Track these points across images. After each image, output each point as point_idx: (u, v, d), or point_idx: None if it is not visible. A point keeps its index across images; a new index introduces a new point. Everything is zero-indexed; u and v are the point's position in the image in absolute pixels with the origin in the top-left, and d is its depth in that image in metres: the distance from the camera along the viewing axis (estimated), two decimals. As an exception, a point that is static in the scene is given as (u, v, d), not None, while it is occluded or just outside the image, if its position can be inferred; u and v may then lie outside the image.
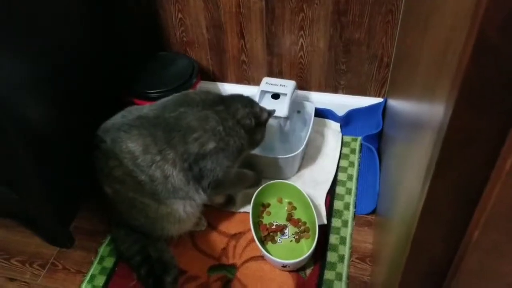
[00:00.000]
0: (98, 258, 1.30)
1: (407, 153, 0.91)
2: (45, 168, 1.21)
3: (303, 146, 1.40)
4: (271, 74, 1.57)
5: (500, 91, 0.44)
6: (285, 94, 1.45)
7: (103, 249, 1.32)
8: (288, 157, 1.37)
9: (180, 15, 1.50)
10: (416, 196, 0.63)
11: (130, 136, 1.11)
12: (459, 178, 0.51)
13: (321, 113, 1.60)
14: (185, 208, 1.17)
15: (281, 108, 1.44)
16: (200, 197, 1.20)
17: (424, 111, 0.74)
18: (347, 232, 1.32)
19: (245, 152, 1.28)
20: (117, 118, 1.17)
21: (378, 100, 1.55)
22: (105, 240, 1.34)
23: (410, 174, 0.77)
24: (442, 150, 0.50)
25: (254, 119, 1.23)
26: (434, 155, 0.52)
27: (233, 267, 1.25)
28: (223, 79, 1.64)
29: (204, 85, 1.62)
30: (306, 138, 1.42)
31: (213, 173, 1.15)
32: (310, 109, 1.54)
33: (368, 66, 1.48)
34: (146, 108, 1.17)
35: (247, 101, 1.25)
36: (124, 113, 1.18)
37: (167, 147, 1.11)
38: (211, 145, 1.13)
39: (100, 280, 1.25)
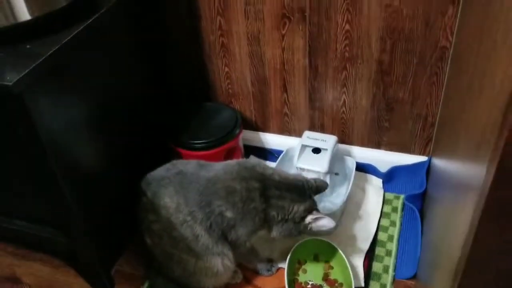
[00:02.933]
0: (136, 304, 1.33)
1: (449, 216, 0.88)
2: (91, 211, 1.27)
3: (341, 203, 1.39)
4: (312, 127, 1.59)
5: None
6: (326, 149, 1.46)
7: (141, 295, 1.35)
8: (329, 213, 1.36)
9: (226, 69, 1.56)
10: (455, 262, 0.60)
11: (167, 192, 1.15)
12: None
13: (363, 168, 1.59)
14: (223, 262, 1.19)
15: (321, 163, 1.44)
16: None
17: (465, 174, 0.72)
18: (385, 296, 1.28)
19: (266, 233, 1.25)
20: (161, 171, 1.22)
21: (422, 158, 1.52)
22: (143, 286, 1.37)
23: (452, 239, 0.75)
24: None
25: (284, 216, 1.18)
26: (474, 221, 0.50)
27: (266, 325, 1.25)
28: (265, 129, 1.68)
29: (247, 135, 1.66)
30: (346, 195, 1.41)
31: (229, 234, 1.17)
32: (351, 164, 1.53)
33: (412, 124, 1.46)
34: (191, 164, 1.21)
35: (299, 194, 1.19)
36: (168, 166, 1.23)
37: (197, 209, 1.13)
38: (229, 214, 1.14)
39: (137, 328, 1.27)
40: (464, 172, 0.72)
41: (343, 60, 1.39)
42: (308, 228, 1.20)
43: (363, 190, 1.56)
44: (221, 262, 1.18)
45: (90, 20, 1.11)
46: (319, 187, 1.22)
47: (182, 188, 1.15)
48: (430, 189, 1.43)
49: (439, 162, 1.35)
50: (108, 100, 1.27)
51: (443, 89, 1.35)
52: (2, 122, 1.06)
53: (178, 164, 1.22)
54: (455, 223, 0.73)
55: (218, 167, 1.20)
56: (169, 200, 1.15)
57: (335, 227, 1.40)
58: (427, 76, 1.34)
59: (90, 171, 1.25)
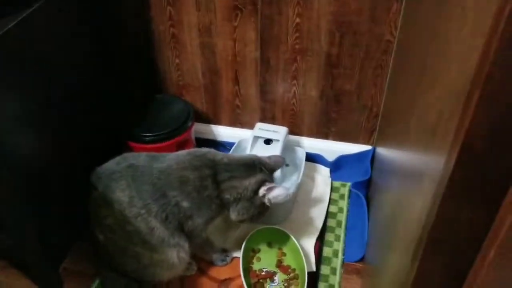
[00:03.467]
0: (87, 301, 1.30)
1: (401, 201, 0.93)
2: (38, 208, 1.21)
3: (293, 190, 1.43)
4: (264, 118, 1.61)
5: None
6: (278, 140, 1.49)
7: (92, 293, 1.32)
8: (279, 203, 1.40)
9: (177, 60, 1.54)
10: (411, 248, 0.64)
11: (118, 186, 1.13)
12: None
13: (312, 158, 1.64)
14: (178, 254, 1.18)
15: (273, 153, 1.47)
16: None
17: (419, 161, 0.76)
18: (335, 280, 1.34)
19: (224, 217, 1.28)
20: (111, 164, 1.19)
21: (367, 147, 1.60)
22: (93, 284, 1.34)
23: (408, 222, 0.77)
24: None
25: (237, 195, 1.18)
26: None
27: (222, 315, 1.26)
28: (217, 122, 1.68)
29: (199, 127, 1.66)
30: (298, 182, 1.45)
31: (185, 224, 1.17)
32: (301, 154, 1.57)
33: (358, 115, 1.53)
34: (142, 156, 1.19)
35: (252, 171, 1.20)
36: (119, 159, 1.20)
37: (152, 202, 1.12)
38: (185, 204, 1.14)
39: (89, 326, 1.24)
40: (416, 158, 0.77)
41: (294, 53, 1.42)
42: (266, 202, 1.20)
43: (312, 179, 1.62)
44: (176, 254, 1.18)
45: (34, 7, 1.05)
46: (276, 163, 1.26)
47: (134, 181, 1.13)
48: (375, 177, 1.50)
49: (383, 151, 1.43)
50: (54, 92, 1.22)
51: (387, 81, 1.43)
52: None
53: (129, 157, 1.19)
54: (410, 207, 0.76)
55: (170, 158, 1.19)
56: (121, 194, 1.12)
57: (291, 195, 1.42)
58: (372, 69, 1.41)
59: (35, 164, 1.20)
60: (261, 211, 1.23)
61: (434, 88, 0.68)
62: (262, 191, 1.19)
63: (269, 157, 1.26)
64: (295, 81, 1.49)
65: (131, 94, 1.62)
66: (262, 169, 1.21)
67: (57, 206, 1.30)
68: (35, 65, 1.13)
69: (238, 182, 1.17)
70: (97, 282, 1.34)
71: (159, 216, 1.12)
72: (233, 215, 1.21)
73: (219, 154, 1.21)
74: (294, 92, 1.52)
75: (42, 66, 1.16)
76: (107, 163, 1.21)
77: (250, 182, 1.18)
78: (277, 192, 1.19)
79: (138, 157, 1.19)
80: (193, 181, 1.14)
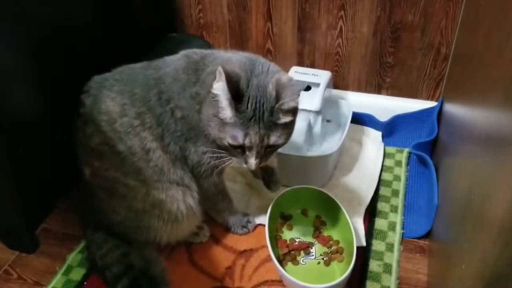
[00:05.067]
0: (64, 268, 1.00)
1: (484, 173, 0.70)
2: (17, 151, 0.98)
3: (338, 146, 1.11)
4: (301, 65, 1.31)
5: None
6: (318, 85, 1.18)
7: (72, 257, 1.02)
8: (319, 156, 1.09)
9: (198, -10, 1.28)
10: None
11: (110, 94, 0.87)
12: None
13: (359, 119, 1.32)
14: (184, 197, 0.90)
15: (311, 100, 1.17)
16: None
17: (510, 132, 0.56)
18: (393, 258, 0.99)
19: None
20: (105, 74, 0.91)
21: (430, 104, 1.27)
22: (77, 248, 1.04)
23: (490, 202, 0.63)
24: None
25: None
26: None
27: (239, 292, 0.93)
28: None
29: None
30: (343, 138, 1.14)
31: (188, 153, 0.87)
32: (347, 110, 1.26)
33: (421, 58, 1.21)
34: (138, 64, 0.92)
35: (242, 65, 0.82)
36: (114, 70, 0.93)
37: (146, 110, 0.85)
38: (179, 114, 0.85)
39: (62, 296, 0.94)
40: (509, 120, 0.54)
41: (343, -29, 1.14)
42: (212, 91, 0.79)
43: (360, 143, 1.29)
44: (182, 198, 0.88)
45: None
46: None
47: (127, 85, 0.87)
48: (443, 136, 1.17)
49: (454, 106, 1.10)
50: (50, 29, 0.99)
51: (462, 9, 1.11)
52: None
53: (124, 67, 0.92)
54: (498, 180, 0.60)
55: (167, 59, 0.91)
56: (111, 104, 0.87)
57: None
58: (443, -9, 1.10)
59: (19, 112, 1.00)
60: (213, 119, 0.81)
61: None
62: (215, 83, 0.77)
63: (291, 79, 0.83)
64: (342, 12, 1.20)
65: (144, 32, 1.35)
66: (249, 73, 0.80)
67: (40, 159, 1.05)
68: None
69: (213, 69, 0.81)
70: (81, 245, 1.04)
71: (155, 131, 0.85)
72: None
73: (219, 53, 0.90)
74: (341, 28, 1.23)
75: None
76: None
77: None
78: (217, 85, 0.77)
79: (134, 65, 0.91)
80: (181, 73, 0.86)
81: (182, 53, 0.91)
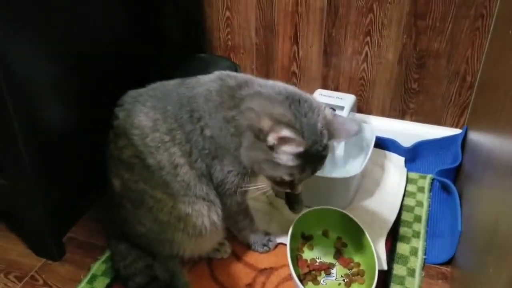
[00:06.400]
0: (88, 276, 1.02)
1: (508, 204, 0.70)
2: (49, 159, 1.01)
3: (361, 168, 1.12)
4: (326, 89, 1.33)
5: None
6: (342, 108, 1.20)
7: (96, 267, 1.04)
8: (342, 178, 1.10)
9: (228, 13, 1.33)
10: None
11: (143, 109, 0.90)
12: None
13: (382, 144, 1.33)
14: (209, 213, 0.92)
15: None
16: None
17: None
18: (414, 283, 0.99)
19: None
20: (140, 89, 0.95)
21: (454, 131, 1.27)
22: (101, 257, 1.06)
23: None
24: None
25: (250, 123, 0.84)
26: None
27: (258, 310, 0.94)
28: (269, 94, 1.42)
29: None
30: (366, 161, 1.15)
31: (213, 171, 0.90)
32: (369, 134, 1.27)
33: (446, 86, 1.22)
34: (172, 81, 0.95)
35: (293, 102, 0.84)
36: (153, 84, 0.97)
37: (177, 126, 0.88)
38: (208, 132, 0.88)
39: (85, 304, 0.96)
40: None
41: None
42: (275, 153, 0.82)
43: (383, 167, 1.30)
44: (207, 213, 0.90)
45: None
46: (344, 125, 0.86)
47: (161, 101, 0.90)
48: (467, 164, 1.17)
49: (479, 134, 1.11)
50: (84, 47, 1.05)
51: (489, 38, 1.13)
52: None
53: (158, 83, 0.96)
54: None
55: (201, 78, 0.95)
56: (144, 118, 0.89)
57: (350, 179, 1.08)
58: (470, 20, 1.12)
59: (53, 123, 1.05)
60: (262, 161, 0.84)
61: None
62: (272, 135, 0.80)
63: (335, 114, 0.90)
64: (368, 38, 1.22)
65: (172, 51, 1.40)
66: (304, 115, 0.83)
67: (70, 163, 1.10)
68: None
69: (258, 103, 0.83)
70: (105, 255, 1.06)
71: (183, 147, 0.88)
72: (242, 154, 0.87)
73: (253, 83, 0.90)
74: (366, 54, 1.25)
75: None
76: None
77: (268, 108, 0.82)
78: (289, 147, 0.80)
79: (168, 82, 0.95)
80: (214, 94, 0.88)
81: (216, 74, 0.93)
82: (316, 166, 0.86)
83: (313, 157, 0.83)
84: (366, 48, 1.24)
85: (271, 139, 0.80)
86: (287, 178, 0.85)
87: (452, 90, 1.22)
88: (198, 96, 0.89)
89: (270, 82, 0.90)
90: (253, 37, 1.33)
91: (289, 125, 0.79)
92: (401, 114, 1.31)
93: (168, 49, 1.40)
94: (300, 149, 0.80)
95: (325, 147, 0.84)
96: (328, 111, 0.87)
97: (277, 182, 0.88)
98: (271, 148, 0.81)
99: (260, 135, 0.82)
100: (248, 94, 0.86)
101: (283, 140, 0.79)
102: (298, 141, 0.79)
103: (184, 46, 1.41)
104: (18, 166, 0.97)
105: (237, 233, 1.05)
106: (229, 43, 1.37)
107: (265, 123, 0.80)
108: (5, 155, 0.97)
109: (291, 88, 0.89)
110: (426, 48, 1.19)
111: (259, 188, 0.90)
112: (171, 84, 0.94)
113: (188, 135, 0.88)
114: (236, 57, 1.39)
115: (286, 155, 0.81)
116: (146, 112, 0.89)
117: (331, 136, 0.84)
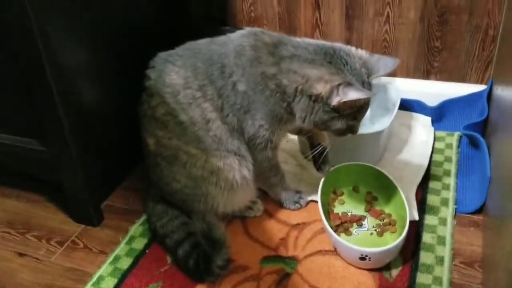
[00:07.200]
0: (127, 238, 1.06)
1: None
2: (87, 128, 1.07)
3: (388, 123, 1.13)
4: (348, 54, 1.35)
5: None
6: (366, 68, 1.21)
7: (134, 229, 1.08)
8: (370, 134, 1.11)
9: (250, -17, 1.35)
10: None
11: (174, 68, 0.94)
12: None
13: (408, 105, 1.33)
14: (240, 167, 0.94)
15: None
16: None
17: None
18: (446, 231, 1.00)
19: (291, 127, 0.97)
20: (170, 50, 0.99)
21: (480, 87, 1.27)
22: (138, 221, 1.10)
23: None
24: None
25: (299, 85, 0.87)
26: None
27: (293, 260, 0.96)
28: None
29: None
30: (392, 117, 1.16)
31: (245, 125, 0.92)
32: (394, 95, 1.27)
33: (469, 41, 1.22)
34: (202, 40, 0.98)
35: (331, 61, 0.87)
36: (182, 45, 1.00)
37: (208, 82, 0.91)
38: (241, 87, 0.90)
39: (125, 262, 1.00)
40: None
41: (389, -43, 1.18)
42: (333, 102, 0.85)
43: (409, 128, 1.30)
44: (238, 167, 0.94)
45: None
46: (381, 64, 0.89)
47: (191, 59, 0.94)
48: (494, 117, 1.17)
49: (505, 88, 1.10)
50: (112, 27, 1.11)
51: (511, -11, 1.12)
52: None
53: (188, 44, 0.99)
54: None
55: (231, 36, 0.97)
56: (175, 77, 0.93)
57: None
58: (491, -29, 1.12)
59: (92, 96, 1.10)
60: (327, 120, 0.89)
61: None
62: (327, 87, 0.84)
63: (372, 55, 0.92)
64: (389, -1, 1.23)
65: (193, 27, 1.43)
66: (338, 64, 0.86)
67: (107, 143, 1.16)
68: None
69: (299, 66, 0.87)
70: (142, 219, 1.10)
71: (215, 103, 0.91)
72: (297, 117, 0.91)
73: (291, 42, 0.93)
74: (388, 15, 1.26)
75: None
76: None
77: (312, 72, 0.86)
78: (352, 93, 0.83)
79: (197, 41, 0.98)
80: (248, 49, 0.90)
81: (247, 29, 0.96)
82: (368, 103, 0.91)
83: None
84: (388, 8, 1.25)
85: (335, 102, 0.85)
86: (352, 123, 0.90)
87: (475, 45, 1.22)
88: (229, 51, 0.92)
89: (301, 42, 0.92)
90: (276, 6, 1.36)
91: (349, 84, 0.83)
92: (425, 74, 1.31)
93: (191, 23, 1.43)
94: (365, 98, 0.85)
95: (370, 85, 0.89)
96: (362, 51, 0.90)
97: (340, 133, 0.92)
98: (334, 108, 0.86)
99: (317, 99, 0.86)
100: (286, 55, 0.88)
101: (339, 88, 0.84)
102: (364, 93, 0.83)
103: (207, 20, 1.44)
104: (58, 134, 1.02)
105: (269, 190, 1.08)
106: (252, 14, 1.40)
107: (321, 88, 0.85)
108: (45, 122, 1.02)
109: (320, 42, 0.92)
110: (447, 3, 1.19)
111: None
112: (200, 42, 0.97)
113: (220, 90, 0.91)
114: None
115: (351, 108, 0.87)
116: (177, 71, 0.92)
117: (370, 72, 0.88)
